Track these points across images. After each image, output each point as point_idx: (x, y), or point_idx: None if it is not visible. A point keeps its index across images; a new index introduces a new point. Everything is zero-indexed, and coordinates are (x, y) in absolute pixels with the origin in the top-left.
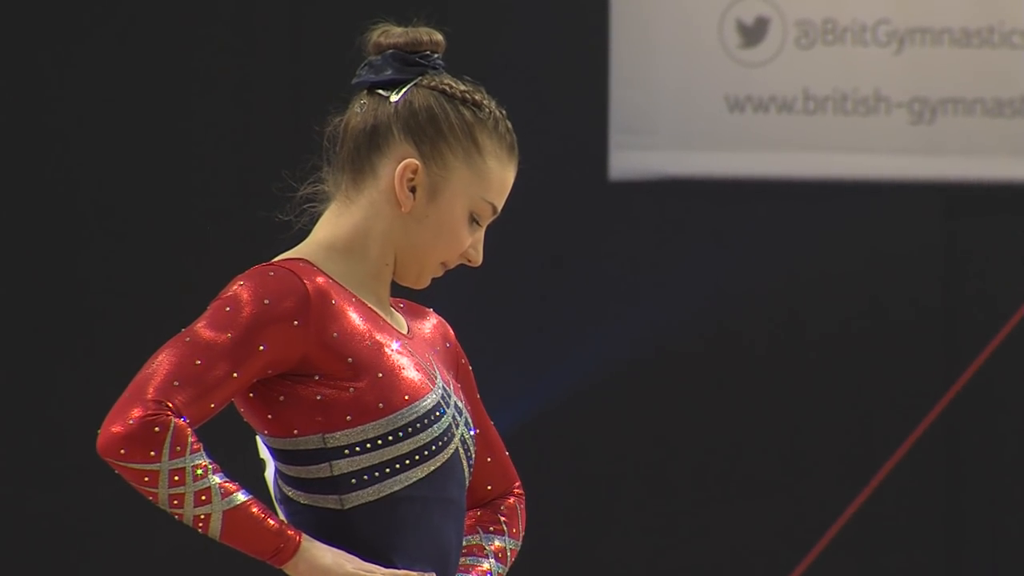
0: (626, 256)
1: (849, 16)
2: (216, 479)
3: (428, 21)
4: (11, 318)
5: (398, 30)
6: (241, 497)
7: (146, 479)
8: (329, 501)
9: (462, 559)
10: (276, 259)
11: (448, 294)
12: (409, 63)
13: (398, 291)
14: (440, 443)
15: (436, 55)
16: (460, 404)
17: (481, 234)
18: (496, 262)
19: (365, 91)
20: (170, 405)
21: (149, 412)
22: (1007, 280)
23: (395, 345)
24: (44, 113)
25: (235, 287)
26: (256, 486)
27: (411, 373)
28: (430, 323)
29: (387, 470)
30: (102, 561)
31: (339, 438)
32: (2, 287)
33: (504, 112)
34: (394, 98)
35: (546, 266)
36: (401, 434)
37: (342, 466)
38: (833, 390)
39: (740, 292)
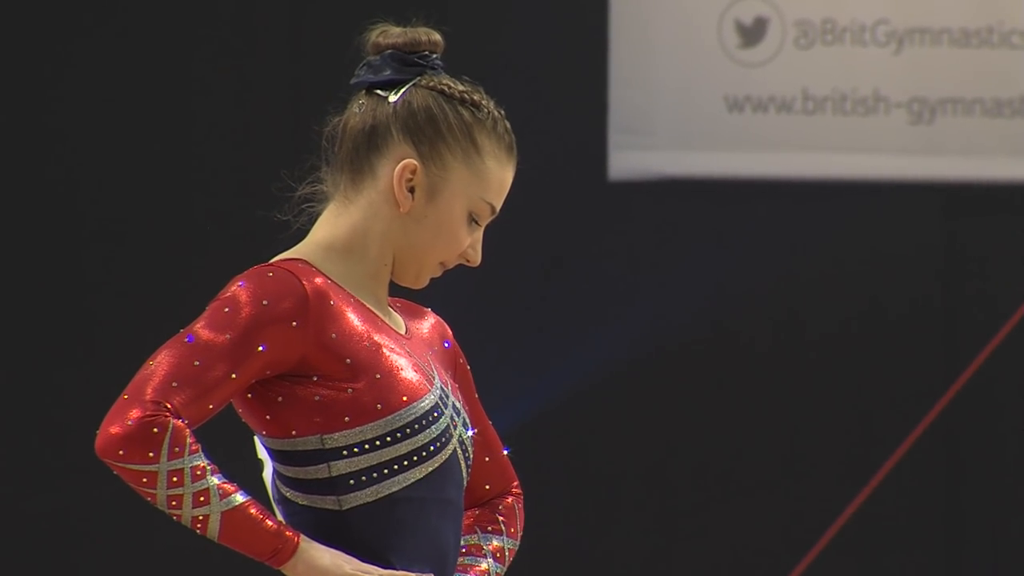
0: (626, 256)
1: (848, 16)
2: (214, 480)
3: (427, 21)
4: (11, 318)
5: (397, 30)
6: (239, 498)
7: (144, 480)
8: (327, 502)
9: (460, 559)
10: (275, 259)
11: (447, 294)
12: (408, 63)
13: (396, 291)
14: (438, 444)
15: (435, 55)
16: (458, 405)
17: (480, 234)
18: (496, 262)
19: (364, 91)
20: (168, 406)
21: (148, 413)
22: (1007, 280)
23: (393, 346)
24: (44, 113)
25: (234, 288)
26: (254, 487)
27: (409, 374)
28: (428, 323)
29: (385, 471)
30: (102, 561)
31: (337, 439)
32: (2, 287)
33: (503, 112)
34: (393, 98)
35: (546, 266)
36: (399, 435)
37: (340, 467)
38: (833, 390)
39: (740, 292)
